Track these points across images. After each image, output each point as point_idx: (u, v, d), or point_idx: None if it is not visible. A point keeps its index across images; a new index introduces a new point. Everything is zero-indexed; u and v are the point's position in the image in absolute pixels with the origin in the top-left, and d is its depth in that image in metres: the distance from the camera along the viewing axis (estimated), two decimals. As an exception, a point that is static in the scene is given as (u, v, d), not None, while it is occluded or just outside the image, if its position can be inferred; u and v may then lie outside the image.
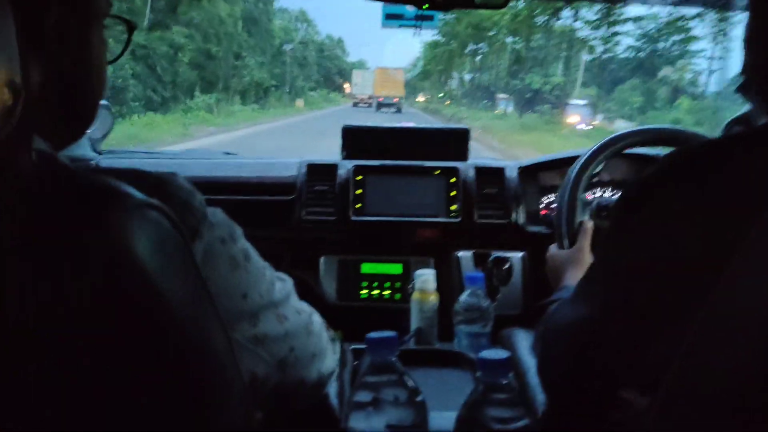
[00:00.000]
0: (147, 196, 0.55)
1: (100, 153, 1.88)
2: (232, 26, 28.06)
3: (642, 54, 29.50)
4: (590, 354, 0.76)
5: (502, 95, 38.28)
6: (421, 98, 59.17)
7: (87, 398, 0.49)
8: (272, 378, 0.73)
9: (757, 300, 0.51)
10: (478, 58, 39.53)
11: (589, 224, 1.35)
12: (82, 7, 0.63)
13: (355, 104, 45.29)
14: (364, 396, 0.78)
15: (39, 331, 0.48)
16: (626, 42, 31.56)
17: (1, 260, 0.48)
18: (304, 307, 0.81)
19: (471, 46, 36.56)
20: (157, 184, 0.65)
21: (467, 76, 49.80)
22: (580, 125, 23.16)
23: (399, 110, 38.76)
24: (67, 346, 0.49)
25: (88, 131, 1.84)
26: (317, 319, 0.83)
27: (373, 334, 0.79)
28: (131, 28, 0.70)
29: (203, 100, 24.10)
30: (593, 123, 24.16)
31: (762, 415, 0.49)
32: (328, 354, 0.82)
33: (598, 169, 1.43)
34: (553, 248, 1.35)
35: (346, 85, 57.74)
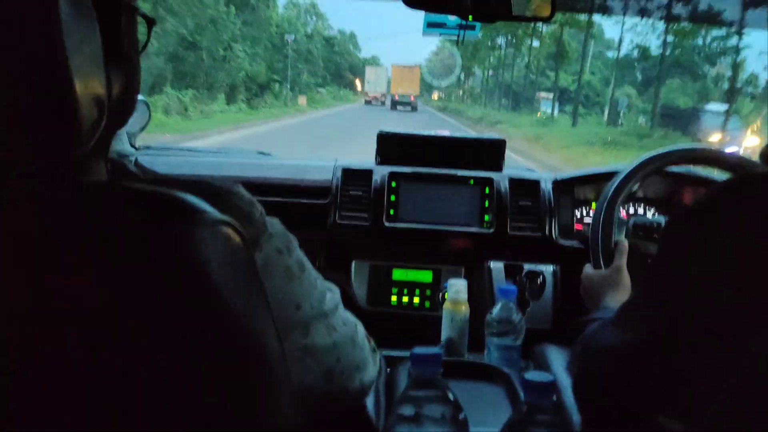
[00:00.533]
0: (214, 207, 0.56)
1: (137, 148, 1.91)
2: (215, 9, 23.93)
3: (678, 50, 26.82)
4: (631, 379, 0.76)
5: (544, 94, 36.27)
6: (435, 96, 58.04)
7: (152, 398, 0.51)
8: (319, 387, 0.74)
9: None
10: (501, 52, 38.49)
11: (626, 243, 1.34)
12: (128, 7, 0.64)
13: (368, 102, 44.07)
14: (407, 410, 0.79)
15: (115, 338, 0.49)
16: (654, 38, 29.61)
17: (78, 269, 0.49)
18: (350, 317, 0.82)
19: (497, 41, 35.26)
20: (221, 194, 0.66)
21: (487, 73, 47.99)
22: (731, 147, 12.46)
23: (414, 109, 38.18)
24: (138, 352, 0.50)
25: (126, 126, 1.88)
26: (361, 329, 0.83)
27: (418, 350, 0.80)
28: (151, 23, 0.71)
29: (173, 96, 19.85)
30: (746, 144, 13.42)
31: None
32: (369, 365, 0.82)
33: (636, 187, 1.42)
34: (588, 268, 1.34)
35: (357, 82, 56.73)
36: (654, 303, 0.75)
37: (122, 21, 0.63)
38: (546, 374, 0.78)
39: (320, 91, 48.33)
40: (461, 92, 54.66)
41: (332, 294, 0.79)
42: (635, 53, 33.09)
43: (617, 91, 29.93)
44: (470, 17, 1.34)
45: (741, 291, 0.63)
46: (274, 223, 0.71)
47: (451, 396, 0.80)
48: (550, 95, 33.73)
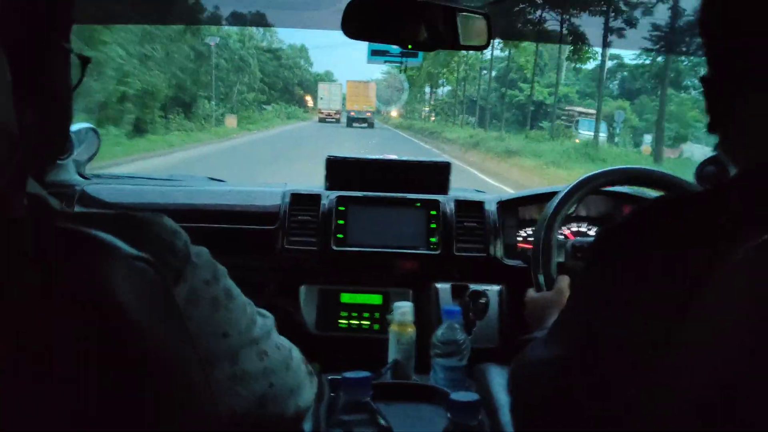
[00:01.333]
0: (132, 242, 0.57)
1: (86, 177, 1.89)
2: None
3: (661, 59, 23.23)
4: (563, 394, 0.78)
5: (580, 109, 30.46)
6: (394, 113, 54.16)
7: None
8: (252, 414, 0.75)
9: (715, 341, 0.55)
10: (462, 68, 36.84)
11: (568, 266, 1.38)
12: (56, 42, 0.65)
13: (322, 120, 41.42)
14: (337, 434, 0.80)
15: (29, 375, 0.50)
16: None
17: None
18: (284, 342, 0.83)
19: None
20: (142, 226, 0.67)
21: (444, 90, 46.15)
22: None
23: (371, 125, 37.23)
24: (54, 389, 0.51)
25: (74, 155, 1.87)
26: (296, 354, 0.84)
27: (349, 374, 0.81)
28: (85, 62, 0.71)
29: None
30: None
31: None
32: (305, 388, 0.83)
33: (572, 209, 1.47)
34: (531, 291, 1.37)
35: (309, 98, 53.26)
36: (580, 317, 0.78)
37: (47, 58, 0.64)
38: (472, 394, 0.80)
39: (267, 109, 44.74)
40: (426, 108, 51.07)
41: (264, 320, 0.79)
42: (609, 64, 30.37)
43: (607, 105, 27.77)
44: (409, 46, 1.39)
45: (655, 303, 0.67)
46: (201, 253, 0.71)
47: (380, 419, 0.82)
48: (590, 112, 26.73)
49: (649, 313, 0.68)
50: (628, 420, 0.66)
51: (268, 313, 0.82)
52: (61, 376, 0.50)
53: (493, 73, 36.83)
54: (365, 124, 36.88)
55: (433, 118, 45.62)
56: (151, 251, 0.60)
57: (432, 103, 48.83)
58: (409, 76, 41.85)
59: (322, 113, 41.98)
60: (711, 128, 0.76)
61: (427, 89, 49.45)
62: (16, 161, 0.57)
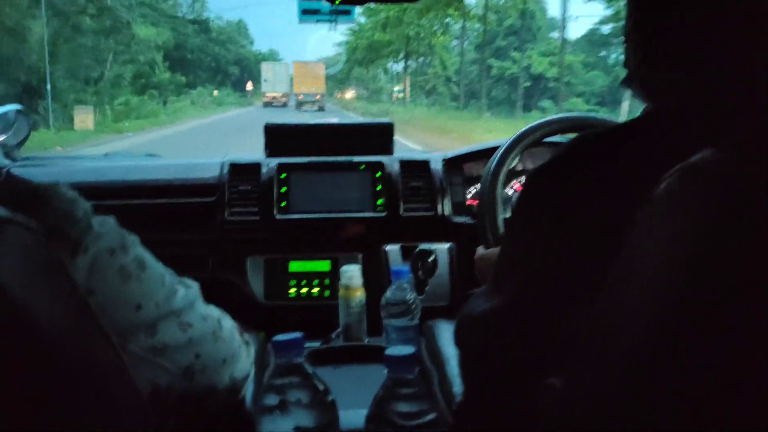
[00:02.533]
0: (20, 209, 0.53)
1: (15, 160, 1.81)
2: None
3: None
4: (504, 341, 0.77)
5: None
6: (348, 94, 48.60)
7: None
8: (178, 386, 0.72)
9: (644, 277, 0.55)
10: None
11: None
12: None
13: (267, 104, 36.85)
14: (271, 399, 0.77)
15: None
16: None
17: None
18: (212, 312, 0.79)
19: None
20: (33, 195, 0.62)
21: (397, 66, 40.21)
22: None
23: (322, 108, 33.93)
24: None
25: (2, 138, 1.78)
26: (227, 323, 0.81)
27: (279, 337, 0.78)
28: None
29: None
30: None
31: (658, 380, 0.52)
32: (241, 358, 0.80)
33: (515, 162, 1.45)
34: (480, 249, 1.35)
35: (249, 83, 45.33)
36: (515, 264, 0.77)
37: None
38: (408, 347, 0.78)
39: (191, 94, 36.20)
40: (397, 87, 41.96)
41: (187, 290, 0.76)
42: (604, 29, 26.30)
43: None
44: (337, 1, 1.33)
45: (587, 241, 0.66)
46: (105, 222, 0.67)
47: (316, 380, 0.79)
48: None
49: (577, 255, 0.67)
50: (560, 366, 0.65)
51: (192, 283, 0.78)
52: None
53: (471, 41, 30.15)
54: (316, 107, 34.10)
55: (398, 97, 38.51)
56: (44, 221, 0.56)
57: (406, 83, 39.03)
58: (359, 44, 36.47)
59: (266, 97, 37.53)
60: (627, 80, 0.75)
61: (397, 65, 40.50)
62: None
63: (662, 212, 0.54)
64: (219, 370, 0.76)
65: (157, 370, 0.69)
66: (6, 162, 1.74)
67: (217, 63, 45.59)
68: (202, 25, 42.99)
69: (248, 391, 0.93)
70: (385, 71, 46.33)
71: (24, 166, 1.75)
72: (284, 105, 36.50)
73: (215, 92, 41.04)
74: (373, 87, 47.92)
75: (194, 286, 0.78)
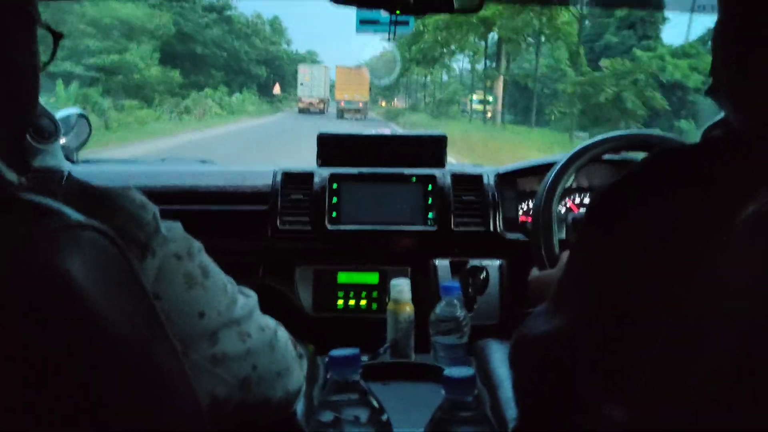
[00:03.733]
0: (92, 213, 0.53)
1: (74, 162, 1.85)
2: None
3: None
4: (564, 365, 0.75)
5: None
6: (398, 104, 42.62)
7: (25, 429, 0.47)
8: (234, 398, 0.71)
9: (725, 305, 0.52)
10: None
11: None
12: (25, 15, 0.62)
13: (302, 110, 33.53)
14: (326, 416, 0.76)
15: None
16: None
17: None
18: (269, 322, 0.79)
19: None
20: (104, 199, 0.63)
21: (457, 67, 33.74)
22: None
23: (365, 116, 31.92)
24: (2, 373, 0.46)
25: (62, 140, 1.82)
26: (282, 334, 0.80)
27: (336, 352, 0.77)
28: (57, 37, 0.68)
29: None
30: None
31: (731, 413, 0.49)
32: (294, 371, 0.79)
33: (571, 181, 1.41)
34: (534, 271, 1.32)
35: (277, 86, 37.98)
36: (579, 286, 0.75)
37: (8, 24, 0.60)
38: (467, 369, 0.76)
39: (199, 96, 26.24)
40: (475, 97, 30.43)
41: (246, 299, 0.75)
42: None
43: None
44: (398, 11, 1.33)
45: (658, 267, 0.63)
46: (173, 227, 0.67)
47: (371, 399, 0.77)
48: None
49: (652, 276, 0.64)
50: (623, 395, 0.63)
51: (251, 292, 0.78)
52: (6, 358, 0.46)
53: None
54: (359, 115, 31.75)
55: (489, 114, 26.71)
56: (114, 224, 0.56)
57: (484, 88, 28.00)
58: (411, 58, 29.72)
59: (302, 103, 34.14)
60: (712, 90, 0.72)
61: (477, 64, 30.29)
62: None
63: (750, 237, 0.51)
64: (274, 383, 0.76)
65: (216, 380, 0.69)
66: (67, 164, 1.78)
67: (237, 61, 35.76)
68: (222, 14, 33.18)
69: (299, 405, 0.93)
70: (448, 69, 36.74)
71: (83, 168, 1.79)
72: (321, 112, 33.41)
73: (234, 96, 32.07)
74: (442, 95, 36.31)
75: (253, 296, 0.78)
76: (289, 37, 49.77)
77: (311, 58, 49.46)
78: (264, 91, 39.04)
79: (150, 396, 0.54)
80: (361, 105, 32.37)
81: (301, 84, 34.38)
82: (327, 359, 0.78)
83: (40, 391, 0.46)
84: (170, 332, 0.60)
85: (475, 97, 31.01)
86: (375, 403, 0.77)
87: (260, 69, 38.88)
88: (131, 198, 0.65)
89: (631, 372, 0.62)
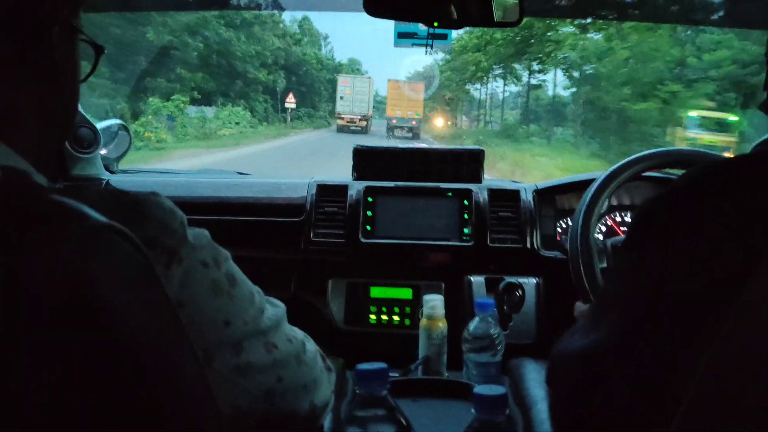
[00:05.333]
0: (119, 218, 0.52)
1: (113, 172, 1.88)
2: None
3: None
4: (603, 381, 0.72)
5: None
6: (439, 122, 35.42)
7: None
8: (258, 409, 0.70)
9: None
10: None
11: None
12: (67, 26, 0.63)
13: (343, 128, 29.07)
14: (353, 431, 0.74)
15: None
16: None
17: None
18: (297, 334, 0.77)
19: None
20: (133, 204, 0.62)
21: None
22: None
23: (417, 135, 28.62)
24: (19, 372, 0.45)
25: (103, 151, 1.86)
26: (311, 347, 0.79)
27: (363, 366, 0.75)
28: (99, 50, 0.69)
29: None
30: None
31: None
32: (322, 385, 0.78)
33: (605, 205, 1.36)
34: (579, 304, 1.26)
35: (290, 98, 28.84)
36: (619, 303, 0.73)
37: (53, 36, 0.61)
38: (498, 387, 0.73)
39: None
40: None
41: (275, 310, 0.74)
42: None
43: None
44: (435, 24, 1.32)
45: (701, 285, 0.61)
46: (200, 234, 0.67)
47: (399, 415, 0.75)
48: None
49: (697, 294, 0.61)
50: (667, 415, 0.59)
51: (279, 303, 0.77)
52: (24, 368, 0.45)
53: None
54: (410, 134, 28.48)
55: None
56: (142, 230, 0.55)
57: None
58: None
59: (342, 119, 29.51)
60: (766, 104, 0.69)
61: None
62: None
63: None
64: (300, 396, 0.74)
65: (239, 391, 0.67)
66: (106, 174, 1.81)
67: (227, 58, 25.42)
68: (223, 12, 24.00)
69: (326, 420, 0.91)
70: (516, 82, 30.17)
71: (121, 178, 1.82)
72: (363, 131, 29.18)
73: (206, 110, 22.75)
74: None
75: (281, 306, 0.77)
76: (329, 44, 41.00)
77: (353, 68, 42.63)
78: (277, 104, 30.91)
79: (168, 403, 0.53)
80: (414, 123, 29.05)
81: (341, 98, 29.80)
82: (355, 373, 0.76)
83: (59, 394, 0.46)
84: (193, 340, 0.59)
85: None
86: (402, 420, 0.75)
87: (273, 75, 30.37)
88: (160, 204, 0.64)
89: (674, 390, 0.59)
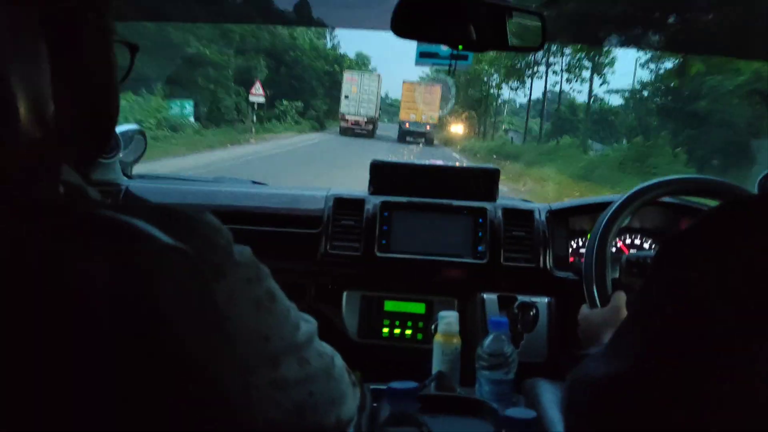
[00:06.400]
0: (172, 235, 0.54)
1: (130, 177, 1.90)
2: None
3: None
4: (622, 411, 0.73)
5: None
6: (457, 128, 32.19)
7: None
8: (289, 424, 0.71)
9: None
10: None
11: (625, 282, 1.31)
12: (101, 29, 0.63)
13: (346, 131, 26.70)
14: (383, 447, 0.76)
15: (52, 365, 0.47)
16: None
17: (25, 290, 0.47)
18: (327, 349, 0.79)
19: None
20: (183, 220, 0.64)
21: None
22: None
23: (430, 141, 27.00)
24: (78, 381, 0.47)
25: (120, 155, 1.88)
26: (339, 362, 0.80)
27: (396, 384, 0.77)
28: (133, 49, 0.69)
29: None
30: None
31: None
32: (347, 399, 0.79)
33: (626, 221, 1.39)
34: (585, 309, 1.30)
35: (258, 90, 20.58)
36: (643, 332, 0.73)
37: (86, 39, 0.60)
38: (528, 411, 0.75)
39: None
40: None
41: (307, 325, 0.76)
42: None
43: None
44: (460, 47, 1.34)
45: (728, 319, 0.61)
46: (244, 252, 0.68)
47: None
48: None
49: (725, 328, 0.62)
50: None
51: (311, 318, 0.78)
52: (85, 370, 0.47)
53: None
54: (422, 139, 26.77)
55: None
56: (191, 245, 0.57)
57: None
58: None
59: (346, 121, 26.76)
60: None
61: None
62: (47, 144, 0.54)
63: None
64: (328, 410, 0.75)
65: (273, 405, 0.69)
66: (125, 179, 1.83)
67: (159, 26, 15.36)
68: None
69: None
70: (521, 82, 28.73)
71: (139, 183, 1.84)
72: (369, 134, 26.71)
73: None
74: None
75: (312, 322, 0.78)
76: (336, 37, 34.15)
77: (361, 63, 36.76)
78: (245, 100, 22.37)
79: (210, 413, 0.55)
80: (428, 128, 26.98)
81: (346, 97, 26.44)
82: (387, 390, 0.78)
83: (108, 397, 0.47)
84: (235, 355, 0.61)
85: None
86: (432, 438, 0.77)
87: (248, 60, 23.13)
88: (207, 221, 0.66)
89: (701, 421, 0.60)
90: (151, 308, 0.50)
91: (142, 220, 0.53)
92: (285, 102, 26.36)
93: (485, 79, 27.09)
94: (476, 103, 32.29)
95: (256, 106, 21.83)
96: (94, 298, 0.48)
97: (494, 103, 32.39)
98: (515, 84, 27.13)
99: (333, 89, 28.98)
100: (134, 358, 0.49)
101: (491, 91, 27.84)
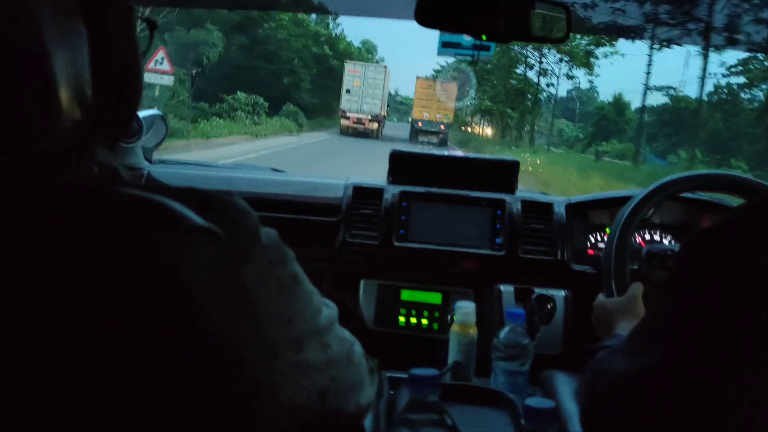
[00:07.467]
0: (204, 216, 0.55)
1: (151, 162, 1.92)
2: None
3: None
4: (642, 406, 0.73)
5: None
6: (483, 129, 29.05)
7: (118, 415, 0.49)
8: (311, 408, 0.72)
9: None
10: None
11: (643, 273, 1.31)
12: (125, 9, 0.63)
13: (347, 130, 24.35)
14: (403, 433, 0.76)
15: (78, 345, 0.48)
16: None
17: (63, 267, 0.48)
18: (347, 335, 0.80)
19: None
20: (212, 203, 0.65)
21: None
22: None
23: (444, 142, 25.23)
24: (106, 359, 0.48)
25: (142, 139, 1.89)
26: (358, 348, 0.81)
27: (417, 371, 0.78)
28: (152, 25, 0.70)
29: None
30: None
31: None
32: (366, 385, 0.80)
33: (649, 214, 1.39)
34: (601, 297, 1.30)
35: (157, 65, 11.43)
36: (668, 326, 0.72)
37: (113, 21, 0.61)
38: (547, 401, 0.75)
39: None
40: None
41: (329, 310, 0.77)
42: None
43: None
44: (484, 37, 1.34)
45: (756, 317, 0.61)
46: (270, 234, 0.69)
47: (449, 420, 0.77)
48: None
49: (752, 326, 0.62)
50: None
51: (332, 304, 0.79)
52: (115, 346, 0.48)
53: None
54: (435, 139, 25.01)
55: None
56: (222, 227, 0.58)
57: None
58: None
59: (347, 119, 24.32)
60: None
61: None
62: (87, 125, 0.55)
63: None
64: (348, 395, 0.76)
65: (297, 387, 0.70)
66: (146, 164, 1.84)
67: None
68: None
69: (367, 420, 0.93)
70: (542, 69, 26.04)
71: (160, 168, 1.85)
72: (374, 135, 24.40)
73: None
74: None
75: (333, 307, 0.79)
76: (340, 24, 30.35)
77: (366, 51, 31.46)
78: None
79: (235, 393, 0.56)
80: (442, 127, 25.36)
81: (347, 91, 23.83)
82: (408, 377, 0.79)
83: (146, 379, 0.48)
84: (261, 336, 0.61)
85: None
86: (453, 425, 0.77)
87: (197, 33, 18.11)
88: (235, 204, 0.67)
89: (721, 422, 0.60)
90: (182, 288, 0.50)
91: (176, 201, 0.54)
92: (240, 94, 19.89)
93: (532, 62, 21.90)
94: (516, 96, 28.01)
95: (158, 88, 13.03)
96: (127, 275, 0.49)
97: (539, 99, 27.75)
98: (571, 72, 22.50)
99: (325, 79, 24.49)
100: (164, 337, 0.50)
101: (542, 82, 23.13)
